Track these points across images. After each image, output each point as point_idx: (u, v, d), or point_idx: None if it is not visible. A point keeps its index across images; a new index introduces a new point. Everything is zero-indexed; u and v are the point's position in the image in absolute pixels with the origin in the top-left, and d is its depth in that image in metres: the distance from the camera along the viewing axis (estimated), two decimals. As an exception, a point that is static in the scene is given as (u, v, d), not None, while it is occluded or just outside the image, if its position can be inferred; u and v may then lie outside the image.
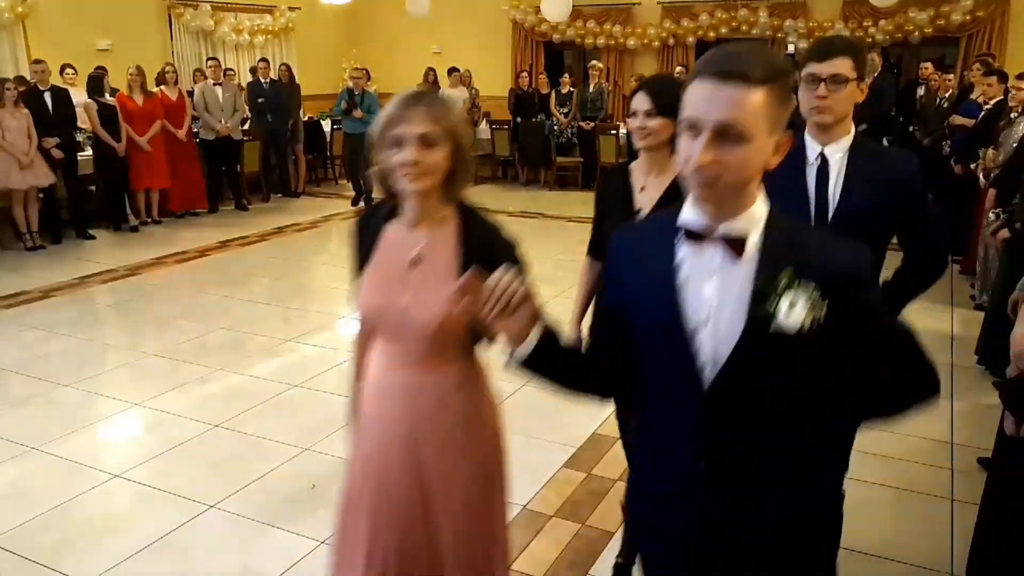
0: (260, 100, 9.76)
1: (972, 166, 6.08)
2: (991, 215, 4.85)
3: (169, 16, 11.05)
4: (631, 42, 12.06)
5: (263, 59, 10.62)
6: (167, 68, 8.94)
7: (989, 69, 6.68)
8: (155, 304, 6.10)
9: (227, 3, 11.36)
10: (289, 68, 10.65)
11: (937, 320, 5.51)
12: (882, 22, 10.49)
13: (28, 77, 8.22)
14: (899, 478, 3.43)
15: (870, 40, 10.53)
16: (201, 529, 3.10)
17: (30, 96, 7.58)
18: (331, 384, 4.54)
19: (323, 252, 7.99)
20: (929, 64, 9.24)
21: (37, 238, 7.53)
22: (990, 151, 5.58)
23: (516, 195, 10.59)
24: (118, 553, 2.95)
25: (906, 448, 3.69)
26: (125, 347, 5.14)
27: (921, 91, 9.07)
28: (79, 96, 8.05)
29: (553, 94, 10.78)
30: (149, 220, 8.66)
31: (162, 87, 8.75)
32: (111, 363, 4.79)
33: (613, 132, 10.50)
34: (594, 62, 10.96)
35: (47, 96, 7.70)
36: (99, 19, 9.99)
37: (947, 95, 8.23)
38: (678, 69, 10.46)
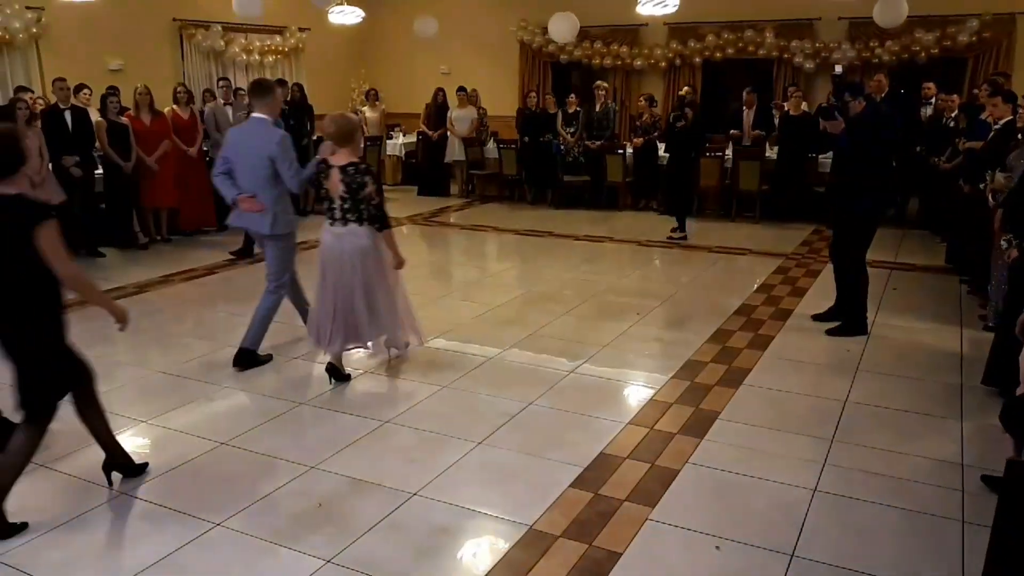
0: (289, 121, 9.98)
1: (981, 186, 6.08)
2: (1003, 242, 4.83)
3: (180, 36, 11.17)
4: (638, 62, 12.13)
5: (281, 79, 10.73)
6: (179, 89, 9.02)
7: (994, 89, 6.68)
8: (163, 321, 6.12)
9: (238, 24, 11.46)
10: (301, 88, 10.77)
11: (946, 340, 5.49)
12: (888, 43, 10.52)
13: (43, 95, 8.30)
14: (908, 499, 3.40)
15: (876, 61, 10.57)
16: (207, 547, 3.09)
17: (51, 114, 7.68)
18: (338, 402, 4.54)
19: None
20: (932, 84, 9.26)
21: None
22: (998, 173, 5.57)
23: (523, 214, 10.62)
24: (125, 569, 2.94)
25: (915, 469, 3.67)
26: (133, 364, 5.14)
27: (929, 111, 9.09)
28: (96, 116, 8.16)
29: (560, 114, 10.82)
30: (159, 238, 8.72)
31: (174, 107, 8.83)
32: (119, 380, 4.79)
33: (620, 151, 10.54)
34: (599, 82, 11.01)
35: (67, 115, 7.80)
36: (111, 40, 10.11)
37: (953, 115, 8.26)
38: (685, 89, 10.50)
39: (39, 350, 3.14)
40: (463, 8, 12.94)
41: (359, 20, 11.49)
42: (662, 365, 5.04)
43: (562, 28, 10.80)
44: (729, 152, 9.85)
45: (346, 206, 4.57)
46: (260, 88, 4.96)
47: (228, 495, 3.47)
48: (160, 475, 3.66)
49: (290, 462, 3.77)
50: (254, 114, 4.90)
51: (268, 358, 5.13)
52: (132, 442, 3.96)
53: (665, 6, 9.89)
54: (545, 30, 11.67)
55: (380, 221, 4.65)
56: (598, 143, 10.58)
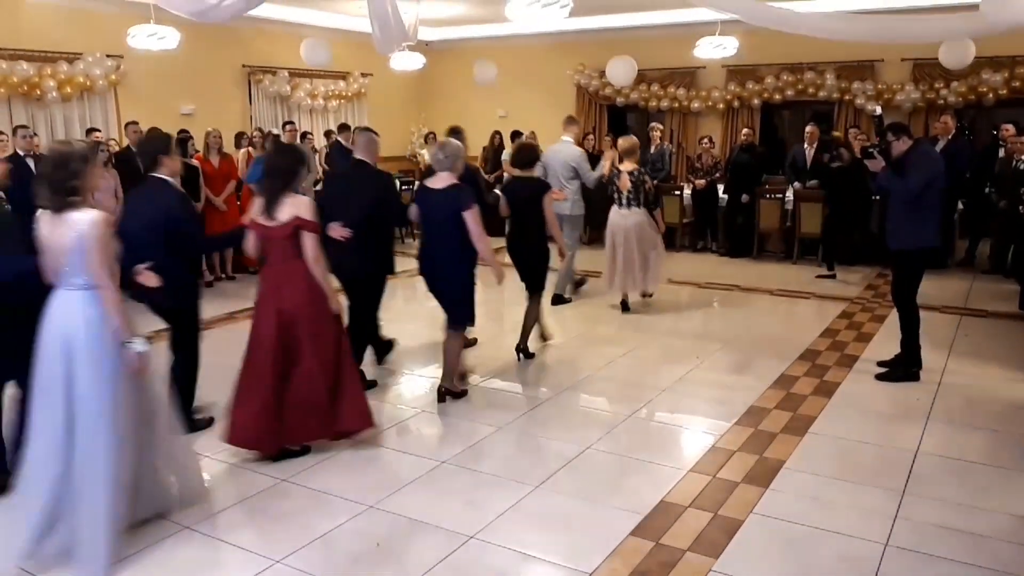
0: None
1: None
2: None
3: (249, 82, 11.57)
4: (695, 104, 12.12)
5: (344, 124, 11.06)
6: (212, 133, 9.09)
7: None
8: (225, 358, 6.21)
9: (303, 70, 11.83)
10: (364, 131, 11.08)
11: (1022, 389, 5.26)
12: (954, 84, 10.32)
13: (118, 138, 8.65)
14: (987, 557, 3.24)
15: (941, 102, 10.36)
16: (266, 585, 3.10)
17: (124, 157, 7.99)
18: (394, 441, 4.55)
19: (388, 308, 8.02)
20: (1011, 126, 8.99)
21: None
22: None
23: (580, 254, 10.56)
24: (185, 606, 2.97)
25: (993, 525, 3.50)
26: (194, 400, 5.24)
27: (1001, 152, 8.85)
28: (164, 158, 8.46)
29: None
30: (223, 276, 8.95)
31: (249, 148, 9.12)
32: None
33: (676, 192, 10.49)
34: (654, 124, 11.00)
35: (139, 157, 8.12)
36: (184, 85, 10.52)
37: (1023, 158, 8.02)
38: (744, 131, 10.43)
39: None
40: (521, 53, 13.14)
41: (420, 66, 11.75)
42: (724, 411, 4.93)
43: (620, 72, 10.86)
44: (790, 194, 9.71)
45: (631, 196, 7.08)
46: (571, 120, 8.11)
47: (287, 532, 3.49)
48: (221, 511, 3.71)
49: (348, 500, 3.78)
50: (563, 136, 7.82)
51: (571, 299, 7.96)
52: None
53: (724, 49, 9.90)
54: (602, 73, 11.76)
55: (654, 204, 7.25)
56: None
